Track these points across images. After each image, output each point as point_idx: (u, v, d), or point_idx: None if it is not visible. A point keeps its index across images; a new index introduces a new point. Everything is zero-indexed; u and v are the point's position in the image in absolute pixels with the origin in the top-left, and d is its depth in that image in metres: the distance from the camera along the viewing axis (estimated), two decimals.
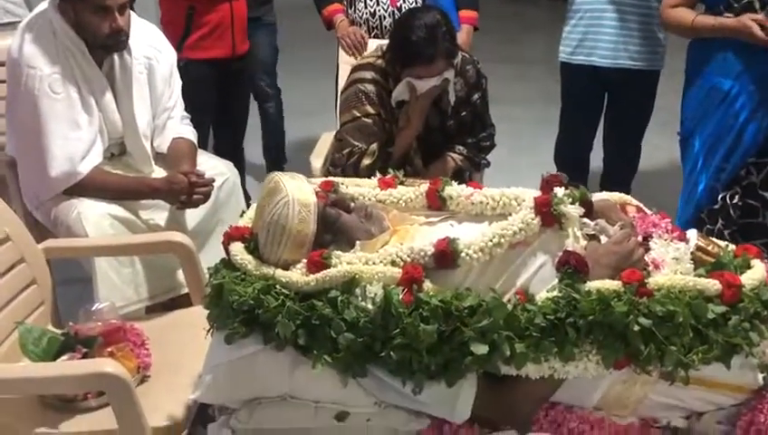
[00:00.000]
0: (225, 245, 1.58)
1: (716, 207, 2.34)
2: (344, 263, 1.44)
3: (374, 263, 1.44)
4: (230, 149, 3.07)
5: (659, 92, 2.89)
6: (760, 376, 1.44)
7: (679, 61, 2.50)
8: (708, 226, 2.36)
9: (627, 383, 1.45)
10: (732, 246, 1.65)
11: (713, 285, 1.42)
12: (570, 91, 2.94)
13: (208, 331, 1.55)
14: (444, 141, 2.39)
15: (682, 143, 2.46)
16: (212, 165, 2.33)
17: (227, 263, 1.56)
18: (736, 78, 2.22)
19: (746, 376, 1.44)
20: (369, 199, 1.68)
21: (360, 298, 1.40)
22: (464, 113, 2.36)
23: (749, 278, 1.47)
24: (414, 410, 1.47)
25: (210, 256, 2.14)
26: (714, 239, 1.67)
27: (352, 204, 1.58)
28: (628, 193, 2.82)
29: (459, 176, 2.33)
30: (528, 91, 4.51)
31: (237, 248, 1.54)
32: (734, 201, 2.31)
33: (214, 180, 2.19)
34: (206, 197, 2.15)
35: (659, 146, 3.60)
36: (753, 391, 1.45)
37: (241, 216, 1.72)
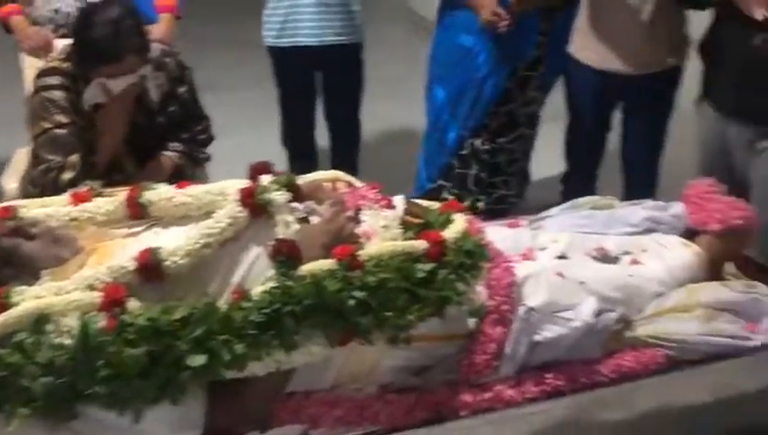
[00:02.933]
0: None
1: (466, 152, 2.64)
2: (30, 298, 1.27)
3: (67, 292, 1.29)
4: None
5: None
6: (471, 321, 1.55)
7: None
8: (459, 169, 2.63)
9: (355, 356, 1.47)
10: (436, 205, 1.75)
11: (419, 244, 1.49)
12: (282, 75, 2.93)
13: None
14: (155, 141, 2.24)
15: (427, 93, 2.75)
16: None
17: None
18: (479, 36, 2.42)
19: (460, 324, 1.54)
20: (59, 220, 1.50)
21: (54, 335, 1.24)
22: (172, 108, 2.22)
23: (451, 232, 1.56)
24: None
25: None
26: (418, 202, 1.76)
27: (34, 229, 1.40)
28: (354, 168, 3.02)
29: (180, 174, 2.20)
30: (251, 76, 4.42)
31: None
32: (484, 146, 2.66)
33: None
34: None
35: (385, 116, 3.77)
36: (468, 336, 1.55)
37: None
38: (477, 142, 2.66)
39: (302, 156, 3.05)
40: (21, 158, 2.37)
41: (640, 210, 1.99)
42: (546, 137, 2.92)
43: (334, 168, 3.00)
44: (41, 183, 2.03)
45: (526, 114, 2.73)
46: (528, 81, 2.66)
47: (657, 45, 2.35)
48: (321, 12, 2.74)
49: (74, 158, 2.02)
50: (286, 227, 1.48)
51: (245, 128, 3.55)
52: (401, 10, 5.63)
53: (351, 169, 3.03)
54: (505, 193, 2.83)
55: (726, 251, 1.87)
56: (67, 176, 2.01)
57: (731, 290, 1.74)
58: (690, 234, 1.91)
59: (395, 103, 3.78)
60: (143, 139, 2.19)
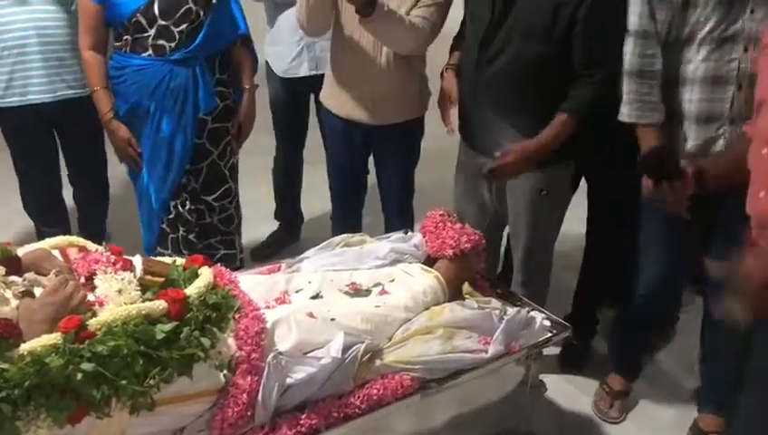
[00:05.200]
0: None
1: (171, 216, 2.55)
2: None
3: None
4: None
5: None
6: (221, 375, 1.53)
7: None
8: (171, 235, 2.56)
9: (98, 430, 1.39)
10: (180, 260, 1.72)
11: (157, 305, 1.45)
12: (14, 135, 2.73)
13: None
14: None
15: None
16: None
17: None
18: (152, 96, 2.36)
19: (210, 380, 1.51)
20: None
21: None
22: None
23: (195, 287, 1.55)
24: None
25: None
26: (159, 259, 1.72)
27: None
28: (102, 223, 2.88)
29: None
30: None
31: None
32: (187, 207, 2.56)
33: None
34: None
35: None
36: (221, 391, 1.54)
37: None
38: (179, 204, 2.55)
39: (50, 223, 2.84)
40: None
41: (387, 243, 2.12)
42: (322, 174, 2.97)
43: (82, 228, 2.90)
44: None
45: (231, 168, 2.64)
46: (221, 133, 2.55)
47: (396, 98, 2.43)
48: (54, 66, 2.60)
49: None
50: (5, 303, 1.37)
51: None
52: None
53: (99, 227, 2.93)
54: (228, 252, 2.72)
55: (461, 273, 2.05)
56: None
57: (466, 308, 1.91)
58: (430, 261, 2.08)
59: None
60: None
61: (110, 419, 1.37)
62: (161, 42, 2.35)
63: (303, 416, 1.57)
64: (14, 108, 2.62)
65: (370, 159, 2.68)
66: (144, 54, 2.37)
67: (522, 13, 2.04)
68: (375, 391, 1.66)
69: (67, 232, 2.10)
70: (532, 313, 2.00)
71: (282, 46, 2.94)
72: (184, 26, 2.33)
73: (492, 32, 2.08)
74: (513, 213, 2.29)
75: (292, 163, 3.28)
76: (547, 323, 1.97)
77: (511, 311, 1.95)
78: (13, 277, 1.43)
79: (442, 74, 2.40)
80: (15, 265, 1.45)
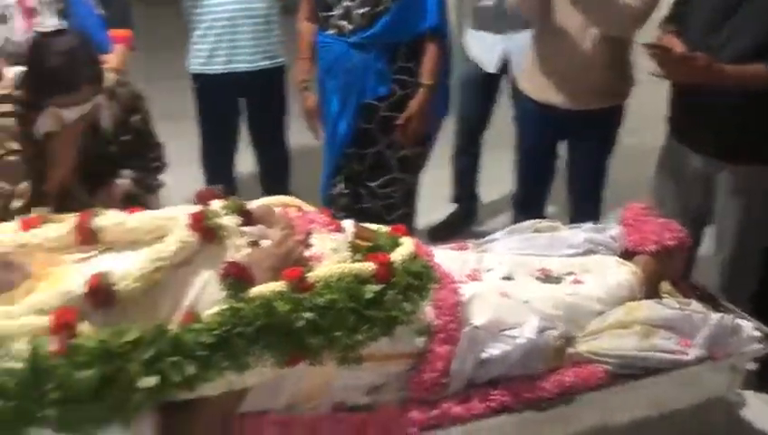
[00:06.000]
0: None
1: (333, 192, 2.64)
2: None
3: (17, 316, 1.29)
4: None
5: None
6: (419, 340, 1.59)
7: None
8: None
9: (307, 376, 1.50)
10: (385, 228, 1.81)
11: (367, 266, 1.53)
12: (205, 103, 2.96)
13: None
14: (109, 169, 2.25)
15: None
16: None
17: None
18: (327, 74, 2.46)
19: (408, 343, 1.58)
20: (8, 245, 1.51)
21: (3, 359, 1.24)
22: (125, 137, 2.24)
23: (399, 254, 1.62)
24: None
25: None
26: (368, 225, 1.81)
27: None
28: (286, 188, 3.06)
29: (132, 201, 2.21)
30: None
31: None
32: (345, 189, 2.62)
33: None
34: None
35: None
36: (417, 355, 1.60)
37: None
38: (338, 183, 2.59)
39: (221, 181, 3.09)
40: None
41: (581, 233, 2.08)
42: (501, 162, 2.97)
43: (266, 190, 3.11)
44: None
45: (399, 158, 2.60)
46: (393, 122, 2.51)
47: (597, 83, 2.38)
48: (259, 36, 2.80)
49: (24, 186, 2.02)
50: (237, 250, 1.52)
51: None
52: None
53: (282, 188, 3.07)
54: None
55: (661, 270, 1.96)
56: (16, 204, 2.00)
57: (666, 307, 1.83)
58: (628, 254, 2.00)
59: None
60: (95, 167, 2.20)
61: (320, 367, 1.48)
62: (343, 22, 2.44)
63: (495, 391, 1.60)
64: (214, 75, 2.85)
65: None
66: (328, 33, 2.49)
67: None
68: (567, 379, 1.64)
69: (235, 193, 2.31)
70: (738, 320, 1.87)
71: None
72: (365, 9, 2.40)
73: (721, 19, 1.95)
74: (722, 214, 2.15)
75: (472, 148, 3.31)
76: (756, 333, 1.83)
77: (715, 316, 1.84)
78: (245, 228, 1.57)
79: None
80: (247, 218, 1.59)
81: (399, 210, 2.73)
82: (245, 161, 3.27)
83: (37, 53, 2.00)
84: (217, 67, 2.84)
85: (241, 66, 2.83)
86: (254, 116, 3.06)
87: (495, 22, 2.95)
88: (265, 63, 2.87)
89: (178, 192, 2.47)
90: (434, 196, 3.32)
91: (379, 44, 2.42)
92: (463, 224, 3.38)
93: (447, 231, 3.31)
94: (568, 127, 2.52)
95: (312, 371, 1.48)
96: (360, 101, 2.48)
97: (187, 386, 1.32)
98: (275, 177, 3.18)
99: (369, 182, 2.62)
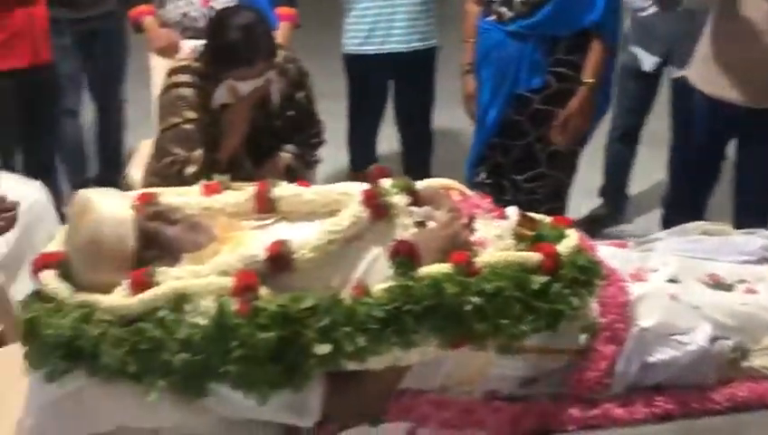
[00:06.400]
0: (35, 274, 1.43)
1: (477, 180, 2.58)
2: (171, 279, 1.36)
3: (204, 275, 1.38)
4: (42, 171, 2.80)
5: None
6: (582, 337, 1.55)
7: None
8: None
9: (465, 361, 1.50)
10: (548, 219, 1.76)
11: (534, 256, 1.50)
12: (357, 83, 3.00)
13: (27, 371, 1.40)
14: (272, 142, 2.34)
15: None
16: (13, 186, 2.10)
17: (40, 294, 1.42)
18: (483, 60, 2.40)
19: (571, 339, 1.54)
20: (194, 208, 1.60)
21: (191, 314, 1.33)
22: (290, 112, 2.33)
23: (565, 247, 1.57)
24: (262, 422, 1.42)
25: (24, 288, 1.95)
26: (531, 214, 1.77)
27: (175, 215, 1.50)
28: (428, 170, 3.04)
29: (291, 175, 2.30)
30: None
31: (49, 276, 1.40)
32: (487, 178, 2.55)
33: (18, 204, 1.98)
34: (10, 223, 1.94)
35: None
36: (578, 352, 1.55)
37: None
38: (480, 173, 2.53)
39: (364, 159, 3.12)
40: (144, 150, 2.52)
41: (757, 239, 1.93)
42: (652, 158, 2.85)
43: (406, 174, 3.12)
44: (164, 174, 2.16)
45: (549, 154, 2.48)
46: (545, 116, 2.41)
47: None
48: (413, 17, 2.82)
49: (198, 153, 2.14)
50: (405, 229, 1.53)
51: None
52: None
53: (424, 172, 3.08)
54: None
55: None
56: (190, 170, 2.13)
57: None
58: None
59: None
60: (261, 139, 2.30)
61: (479, 353, 1.47)
62: (503, 9, 2.38)
63: (660, 398, 1.53)
64: (368, 56, 2.89)
65: None
66: (488, 19, 2.44)
67: None
68: (741, 393, 1.54)
69: None
70: None
71: None
72: None
73: None
74: None
75: (629, 142, 3.16)
76: None
77: None
78: (413, 208, 1.58)
79: None
80: (415, 198, 1.60)
81: (544, 207, 2.56)
82: (387, 140, 3.31)
83: (218, 28, 2.11)
84: (372, 48, 2.88)
85: (395, 47, 2.86)
86: (401, 96, 3.08)
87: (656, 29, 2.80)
88: (419, 45, 2.88)
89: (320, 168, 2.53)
90: (578, 189, 3.22)
91: (538, 35, 2.34)
92: (609, 221, 3.25)
93: (592, 227, 3.20)
94: (741, 126, 2.34)
95: (471, 355, 1.48)
96: (512, 91, 2.41)
97: (358, 357, 1.35)
98: (418, 158, 3.19)
99: (515, 175, 2.55)
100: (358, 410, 1.44)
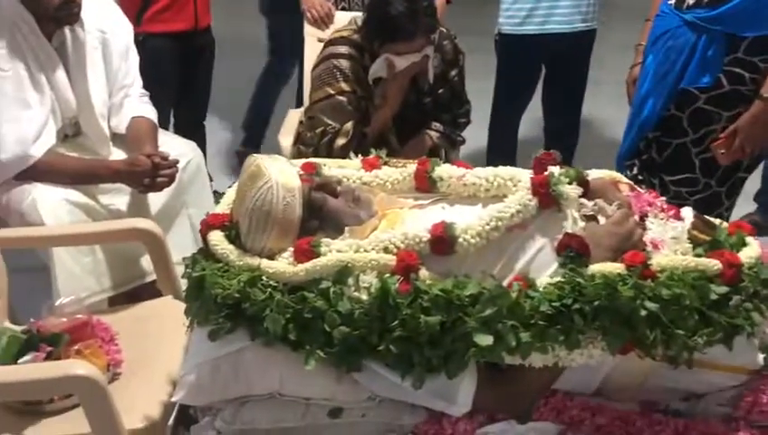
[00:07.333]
0: (204, 233, 1.46)
1: (626, 174, 2.33)
2: (334, 251, 1.35)
3: (366, 250, 1.36)
4: (192, 128, 2.91)
5: None
6: (761, 356, 1.41)
7: None
8: None
9: (625, 367, 1.41)
10: (725, 224, 1.62)
11: (713, 264, 1.38)
12: (511, 65, 2.87)
13: (188, 326, 1.44)
14: (419, 119, 2.30)
15: None
16: (174, 145, 2.19)
17: (206, 253, 1.45)
18: (652, 46, 2.20)
19: (747, 357, 1.41)
20: (354, 182, 1.59)
21: (353, 288, 1.31)
22: (441, 90, 2.28)
23: (746, 256, 1.44)
24: (410, 404, 1.39)
25: (176, 241, 2.04)
26: (708, 217, 1.63)
27: (338, 187, 1.49)
28: (569, 164, 2.89)
29: (435, 154, 2.25)
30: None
31: (217, 237, 1.43)
32: (635, 174, 2.31)
33: (178, 162, 2.05)
34: (171, 180, 2.02)
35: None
36: (753, 372, 1.42)
37: (217, 202, 1.60)
38: (631, 167, 2.32)
39: (506, 144, 3.02)
40: (293, 118, 2.55)
41: None
42: None
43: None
44: (314, 144, 2.17)
45: (705, 160, 2.14)
46: (709, 117, 2.08)
47: None
48: None
49: (349, 125, 2.14)
50: (574, 222, 1.45)
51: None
52: None
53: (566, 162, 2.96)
54: None
55: None
56: (341, 141, 2.13)
57: None
58: None
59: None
60: (409, 115, 2.27)
61: (644, 361, 1.37)
62: None
63: None
64: (527, 36, 2.75)
65: None
66: (669, 2, 2.24)
67: None
68: None
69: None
70: None
71: None
72: None
73: None
74: None
75: None
76: None
77: None
78: (583, 200, 1.49)
79: None
80: (585, 189, 1.51)
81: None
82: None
83: (380, 1, 2.08)
84: (532, 27, 2.75)
85: (557, 27, 2.73)
86: (554, 81, 2.95)
87: None
88: (582, 26, 2.74)
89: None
90: None
91: (716, 31, 2.02)
92: (764, 228, 3.00)
93: None
94: None
95: (635, 362, 1.38)
96: (676, 85, 2.15)
97: (520, 352, 1.29)
98: (563, 146, 3.06)
99: (665, 175, 2.29)
100: (508, 405, 1.39)
